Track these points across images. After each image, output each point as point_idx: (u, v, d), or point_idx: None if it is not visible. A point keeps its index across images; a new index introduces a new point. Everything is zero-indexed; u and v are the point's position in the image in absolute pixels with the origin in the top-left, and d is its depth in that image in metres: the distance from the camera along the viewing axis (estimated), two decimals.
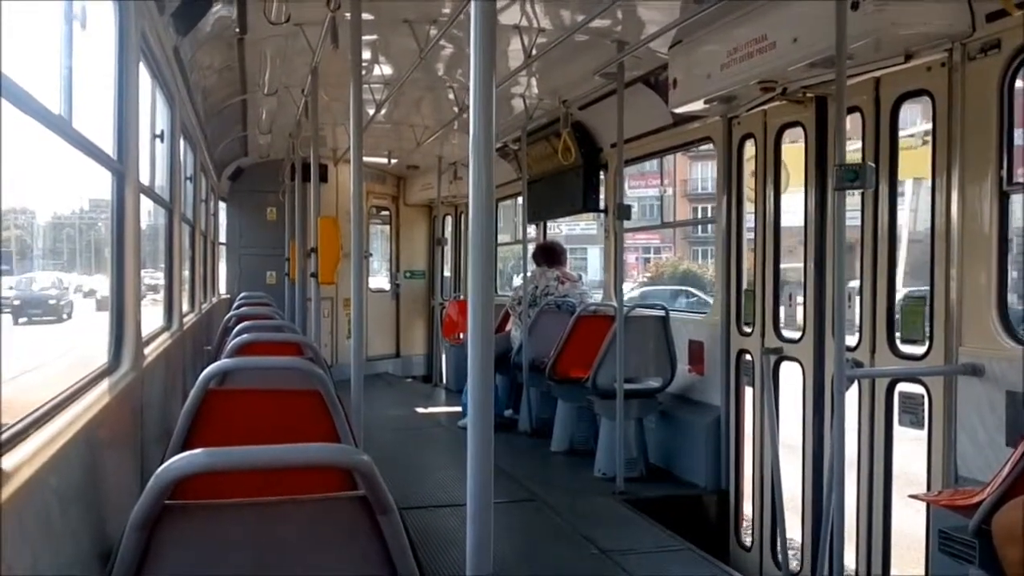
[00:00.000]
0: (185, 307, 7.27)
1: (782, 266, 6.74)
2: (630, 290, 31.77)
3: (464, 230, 14.76)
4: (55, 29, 3.08)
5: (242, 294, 10.47)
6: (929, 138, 5.12)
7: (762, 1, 5.36)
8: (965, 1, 4.62)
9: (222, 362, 3.91)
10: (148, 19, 4.40)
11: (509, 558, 5.64)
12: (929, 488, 5.05)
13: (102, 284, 4.66)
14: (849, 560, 5.63)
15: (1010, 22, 4.46)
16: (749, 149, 7.02)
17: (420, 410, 11.93)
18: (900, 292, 6.05)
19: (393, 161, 13.72)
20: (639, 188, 41.08)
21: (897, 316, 5.49)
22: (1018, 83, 4.63)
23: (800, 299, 6.42)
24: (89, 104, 3.33)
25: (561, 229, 34.06)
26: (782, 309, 6.67)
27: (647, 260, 45.98)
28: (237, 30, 6.49)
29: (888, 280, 5.50)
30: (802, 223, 6.33)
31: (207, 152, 9.72)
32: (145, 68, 4.59)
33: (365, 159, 6.83)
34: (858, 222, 5.61)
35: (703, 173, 39.22)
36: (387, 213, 15.84)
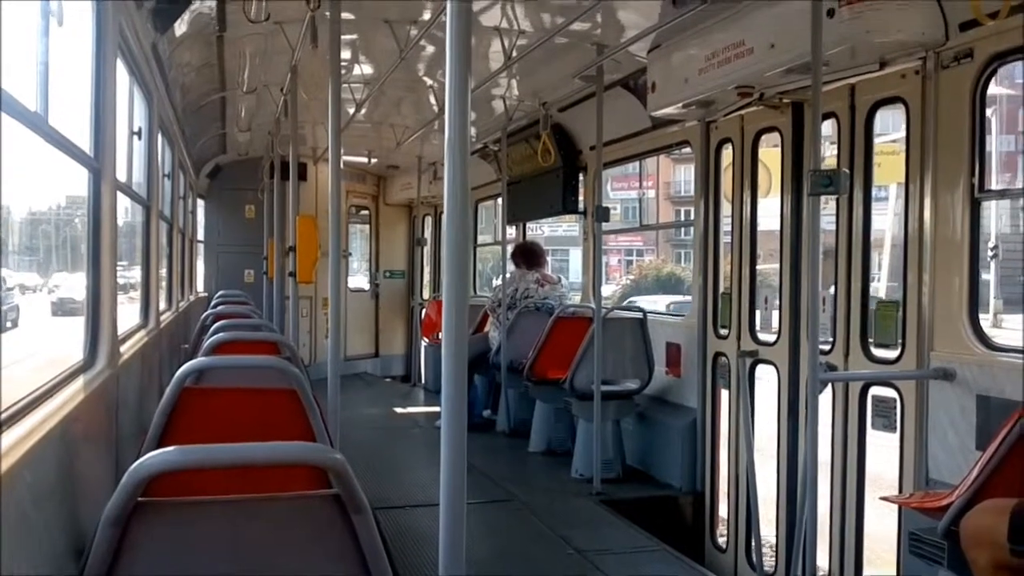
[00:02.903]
0: (162, 305, 7.24)
1: (760, 267, 6.80)
2: (610, 293, 31.88)
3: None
4: (31, 25, 3.07)
5: (220, 292, 10.43)
6: None
7: (740, 7, 5.41)
8: (939, 10, 4.68)
9: (198, 360, 3.90)
10: (126, 16, 4.39)
11: (486, 558, 5.65)
12: (901, 490, 5.11)
13: (64, 283, 4.47)
14: (822, 561, 5.69)
15: (983, 31, 4.52)
16: (727, 154, 7.07)
17: (398, 410, 11.92)
18: (882, 294, 6.09)
19: (373, 161, 13.71)
20: (622, 190, 41.14)
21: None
22: (990, 91, 4.69)
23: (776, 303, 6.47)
24: (66, 101, 3.31)
25: (543, 230, 33.99)
26: (757, 312, 6.73)
27: (629, 263, 46.05)
28: (216, 27, 6.47)
29: (862, 284, 5.56)
30: (778, 227, 6.38)
31: (185, 149, 9.68)
32: (123, 65, 4.58)
33: (345, 158, 6.83)
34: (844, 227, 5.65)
35: (686, 176, 39.35)
36: (367, 212, 15.82)
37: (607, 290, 32.92)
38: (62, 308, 4.45)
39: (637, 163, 10.75)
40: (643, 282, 36.32)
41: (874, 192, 5.62)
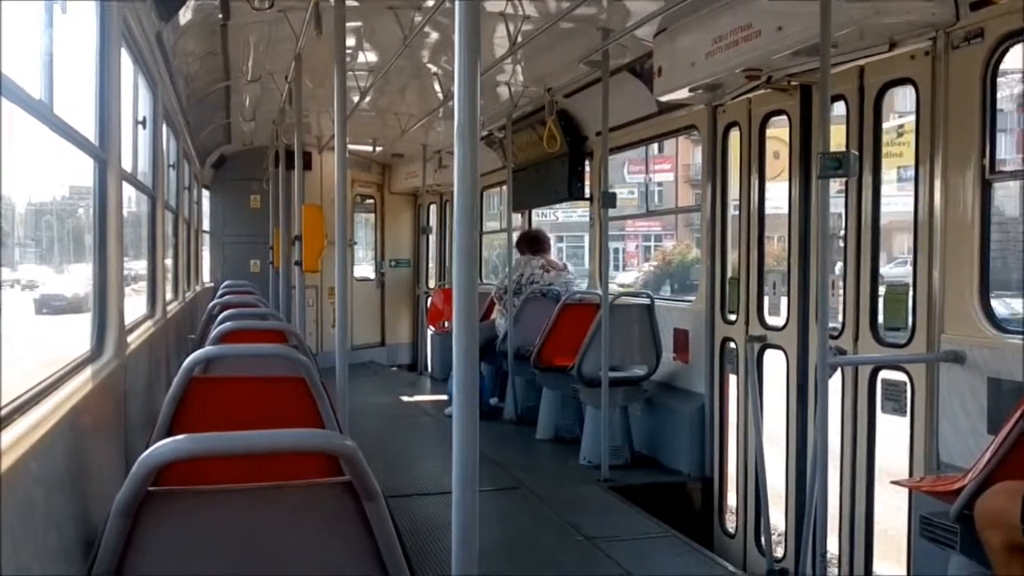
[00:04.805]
0: (169, 295, 7.24)
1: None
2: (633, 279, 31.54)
3: (449, 219, 14.74)
4: (36, 14, 3.05)
5: (226, 282, 10.43)
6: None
7: None
8: None
9: (205, 349, 3.89)
10: (130, 4, 4.36)
11: (494, 545, 5.65)
12: (911, 474, 5.09)
13: (48, 277, 4.31)
14: (832, 546, 5.67)
15: (993, 11, 4.48)
16: (735, 137, 7.02)
17: (405, 398, 11.92)
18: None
19: (378, 149, 13.67)
20: (639, 174, 40.50)
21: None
22: (1001, 69, 4.65)
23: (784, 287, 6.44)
24: (70, 90, 3.30)
25: (557, 216, 33.79)
26: (766, 297, 6.70)
27: (647, 248, 45.53)
28: (220, 16, 6.44)
29: (871, 268, 5.53)
30: (787, 211, 6.35)
31: (190, 139, 9.66)
32: (127, 54, 4.56)
33: (350, 147, 6.81)
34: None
35: None
36: (372, 201, 15.79)
37: (627, 278, 32.67)
38: (47, 306, 4.22)
39: (655, 145, 10.70)
40: (666, 269, 34.79)
41: (906, 172, 5.59)
